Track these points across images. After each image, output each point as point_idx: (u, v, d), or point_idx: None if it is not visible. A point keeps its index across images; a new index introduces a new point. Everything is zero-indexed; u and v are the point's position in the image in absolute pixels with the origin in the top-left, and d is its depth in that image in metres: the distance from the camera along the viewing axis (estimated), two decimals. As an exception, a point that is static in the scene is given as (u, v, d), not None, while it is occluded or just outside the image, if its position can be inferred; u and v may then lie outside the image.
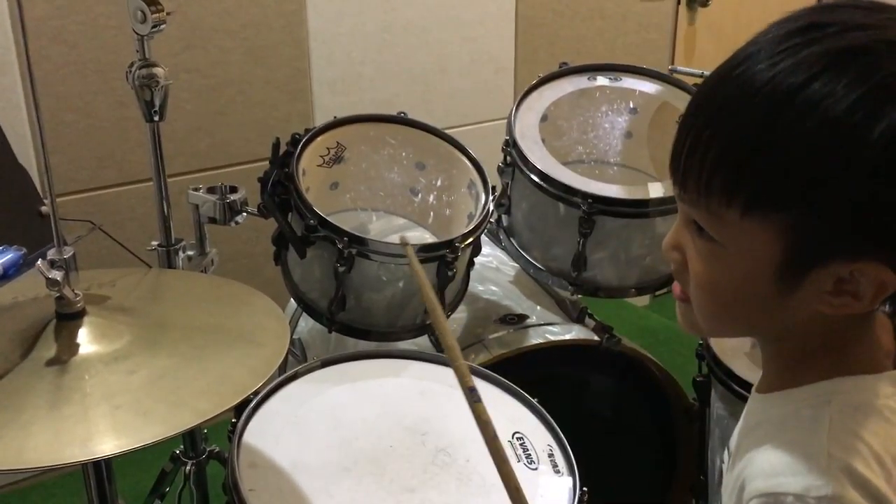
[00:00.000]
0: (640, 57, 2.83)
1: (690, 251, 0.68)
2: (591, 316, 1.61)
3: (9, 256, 0.92)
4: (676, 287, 0.72)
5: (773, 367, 0.74)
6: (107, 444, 0.83)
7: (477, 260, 1.51)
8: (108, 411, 0.86)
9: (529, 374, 1.49)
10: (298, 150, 1.39)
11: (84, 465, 1.01)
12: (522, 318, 1.57)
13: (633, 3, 2.86)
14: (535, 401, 1.24)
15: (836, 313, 0.65)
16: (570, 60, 1.67)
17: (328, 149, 1.46)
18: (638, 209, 1.46)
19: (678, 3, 2.97)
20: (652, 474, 1.65)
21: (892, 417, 0.66)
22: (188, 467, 1.58)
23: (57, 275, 0.91)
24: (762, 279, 0.65)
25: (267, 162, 1.42)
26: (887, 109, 0.58)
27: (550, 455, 1.17)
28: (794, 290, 0.64)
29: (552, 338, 1.50)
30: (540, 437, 1.19)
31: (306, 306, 1.44)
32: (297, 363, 1.62)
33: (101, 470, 0.98)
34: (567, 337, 1.51)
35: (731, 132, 0.62)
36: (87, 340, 0.96)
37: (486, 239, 1.75)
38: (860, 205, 0.59)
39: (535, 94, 1.61)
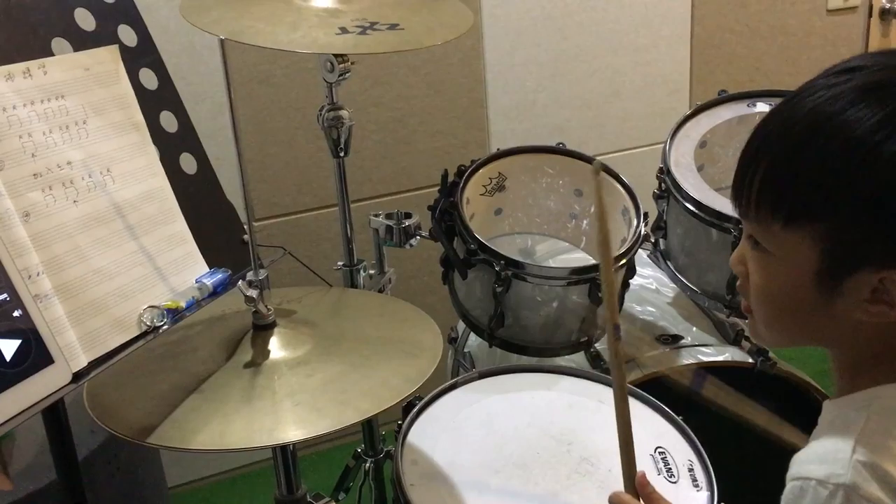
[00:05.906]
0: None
1: (750, 263, 0.79)
2: (747, 339, 1.63)
3: (218, 277, 1.12)
4: (743, 302, 0.82)
5: (837, 376, 0.81)
6: (289, 433, 1.00)
7: (636, 281, 1.58)
8: (291, 407, 1.03)
9: (680, 394, 1.55)
10: (463, 181, 1.53)
11: (274, 452, 1.20)
12: (677, 338, 1.62)
13: (819, 18, 2.79)
14: (679, 418, 1.30)
15: (874, 321, 0.71)
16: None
17: (490, 178, 1.59)
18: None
19: (870, 15, 2.86)
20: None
21: None
22: (368, 464, 1.76)
23: (253, 293, 1.11)
24: (805, 286, 0.73)
25: (443, 187, 1.58)
26: None
27: (691, 469, 1.22)
28: (834, 297, 0.72)
29: (704, 358, 1.54)
30: (681, 452, 1.25)
31: (470, 322, 1.58)
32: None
33: (288, 458, 1.16)
34: (719, 358, 1.55)
35: (776, 154, 0.73)
36: (276, 347, 1.14)
37: (648, 261, 1.81)
38: (878, 215, 0.67)
39: (691, 122, 1.67)
